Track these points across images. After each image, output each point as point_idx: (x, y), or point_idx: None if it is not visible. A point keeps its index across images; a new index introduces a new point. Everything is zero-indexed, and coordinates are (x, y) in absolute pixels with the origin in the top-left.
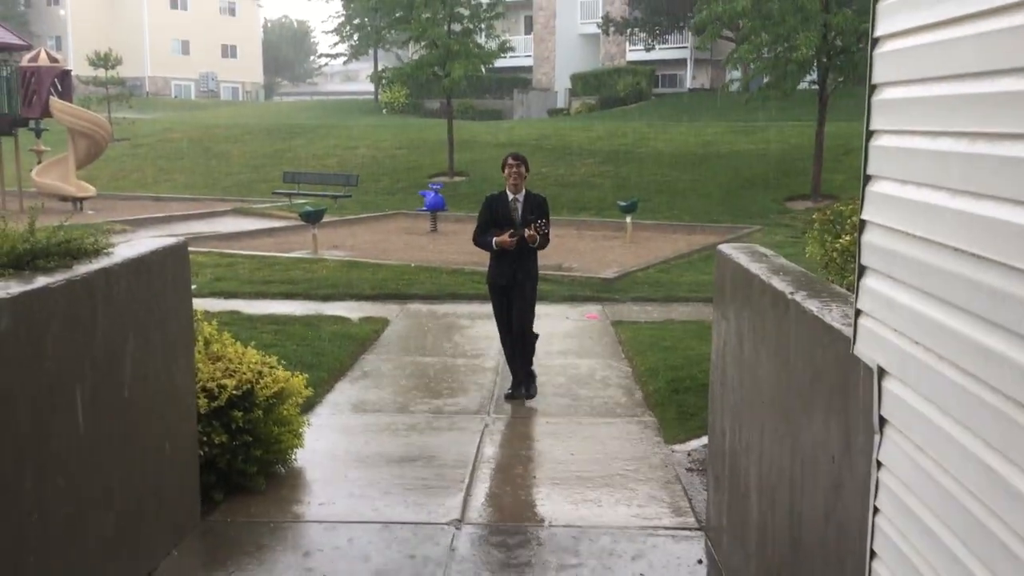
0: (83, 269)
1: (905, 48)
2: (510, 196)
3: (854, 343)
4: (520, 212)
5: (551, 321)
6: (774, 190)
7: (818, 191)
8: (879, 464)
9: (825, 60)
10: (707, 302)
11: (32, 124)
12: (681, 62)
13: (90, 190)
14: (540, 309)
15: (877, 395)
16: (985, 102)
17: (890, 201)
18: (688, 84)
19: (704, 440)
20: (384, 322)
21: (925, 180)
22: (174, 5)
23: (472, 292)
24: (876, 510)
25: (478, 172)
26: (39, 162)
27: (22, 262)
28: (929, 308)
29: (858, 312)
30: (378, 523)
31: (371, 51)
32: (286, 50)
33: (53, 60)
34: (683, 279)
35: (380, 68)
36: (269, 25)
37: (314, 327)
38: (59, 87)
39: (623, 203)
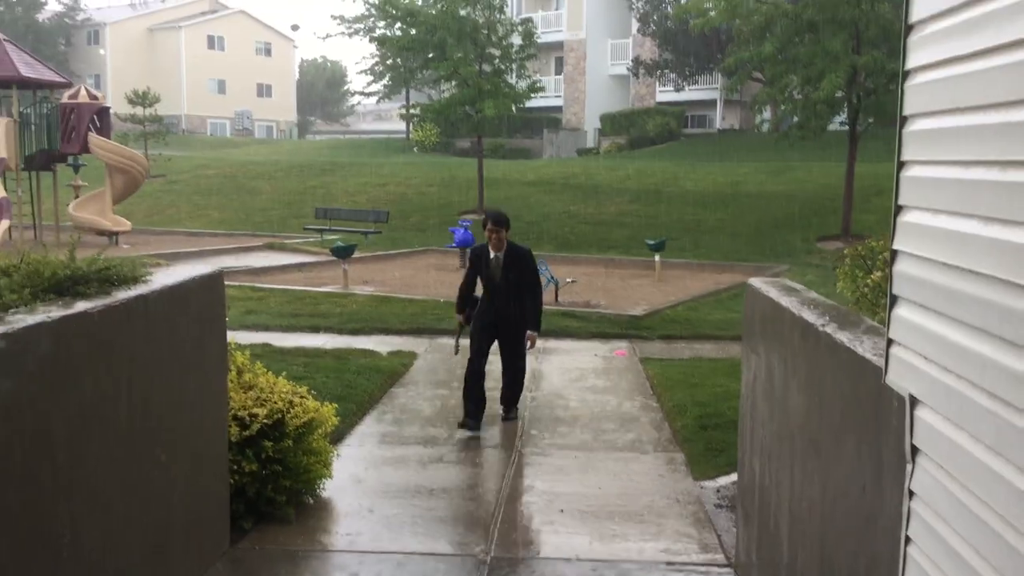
0: (122, 295)
1: (936, 80)
2: (492, 253)
3: (886, 372)
4: (501, 267)
5: (579, 357)
6: (804, 230)
7: (848, 231)
8: (911, 493)
9: (855, 101)
10: (735, 340)
11: (71, 160)
12: (711, 103)
13: (126, 224)
14: (569, 344)
15: (909, 424)
16: (1016, 131)
17: (921, 230)
18: (718, 124)
19: (733, 477)
20: (413, 356)
21: (956, 209)
22: (211, 45)
23: None
24: (908, 540)
25: (508, 210)
26: (76, 197)
27: (63, 288)
28: (961, 336)
29: (890, 342)
30: (406, 554)
31: (403, 91)
32: (320, 89)
33: (92, 97)
34: (712, 317)
35: (411, 104)
36: (304, 65)
37: (343, 360)
38: (98, 123)
39: (651, 242)
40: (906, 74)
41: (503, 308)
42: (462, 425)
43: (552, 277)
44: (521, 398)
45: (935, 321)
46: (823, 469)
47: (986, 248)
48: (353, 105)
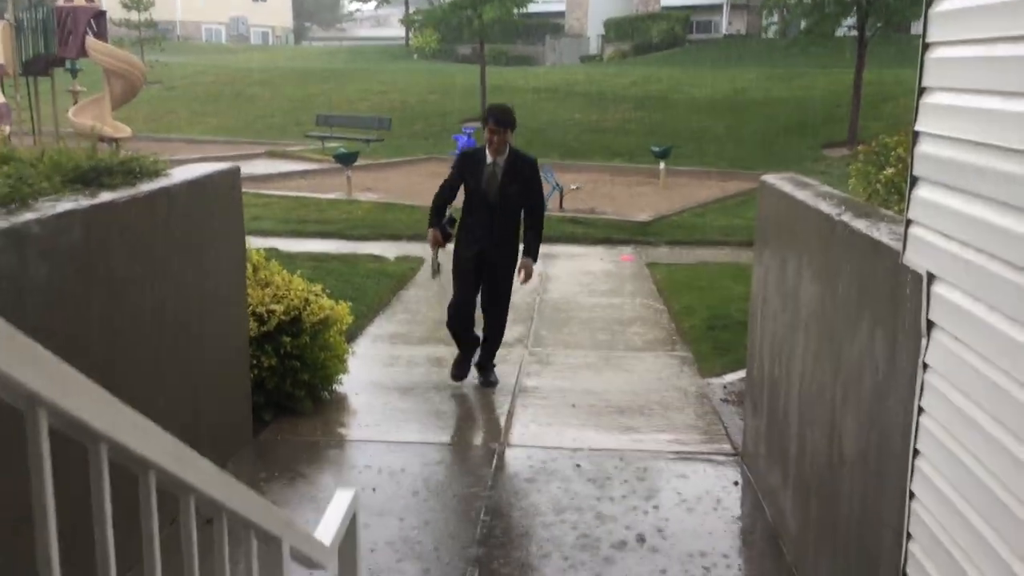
0: (145, 187)
1: None
2: (489, 158)
3: (903, 253)
4: (499, 178)
5: (586, 262)
6: (810, 137)
7: (855, 138)
8: (925, 366)
9: (864, 3)
10: (742, 246)
11: (68, 64)
12: (717, 7)
13: (126, 131)
14: (574, 250)
15: (926, 300)
16: None
17: (944, 110)
18: (724, 30)
19: (740, 374)
20: (420, 261)
21: (980, 86)
22: None
23: None
24: (921, 410)
25: None
26: (75, 102)
27: (88, 179)
28: (981, 210)
29: (908, 222)
30: (419, 444)
31: None
32: None
33: (89, 0)
34: (717, 223)
35: (411, 11)
36: None
37: (351, 264)
38: (95, 27)
39: (657, 149)
40: None
41: (495, 231)
42: (454, 375)
43: (557, 184)
44: (530, 302)
45: (958, 199)
46: (834, 353)
47: (1011, 123)
48: (352, 12)
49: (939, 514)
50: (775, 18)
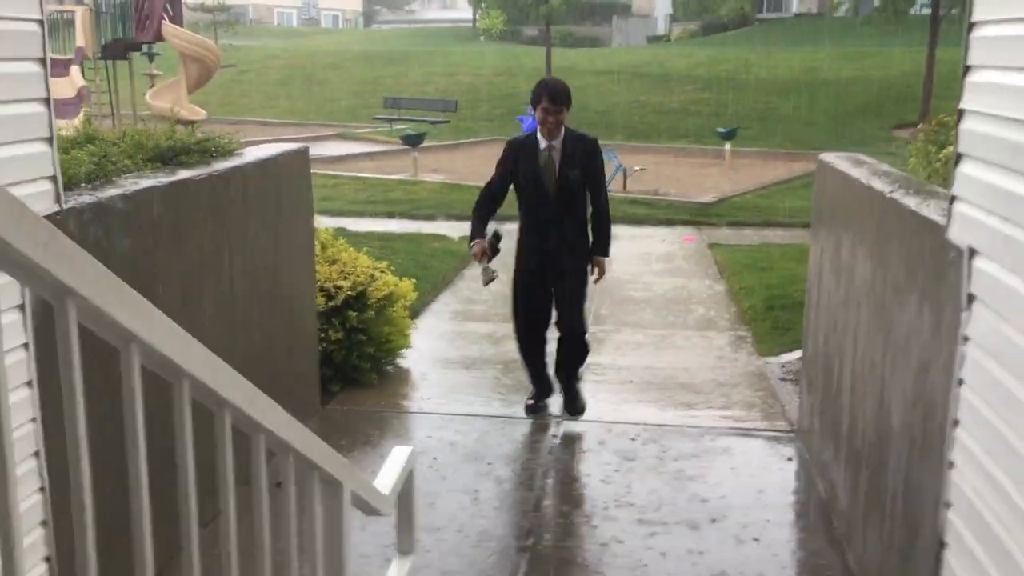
0: (220, 166)
1: None
2: (543, 143)
3: (948, 228)
4: (558, 165)
5: (648, 243)
6: (881, 118)
7: (927, 119)
8: (966, 339)
9: None
10: (806, 227)
11: (145, 48)
12: None
13: (201, 113)
14: (636, 231)
15: (967, 274)
16: None
17: (989, 88)
18: (795, 8)
19: (798, 353)
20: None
21: (1021, 64)
22: None
23: None
24: (961, 382)
25: (577, 99)
26: (152, 85)
27: (166, 158)
28: (1021, 186)
29: (953, 199)
30: (480, 416)
31: None
32: None
33: None
34: (782, 204)
35: None
36: None
37: (417, 243)
38: (170, 12)
39: (722, 130)
40: None
41: (560, 228)
42: (528, 408)
43: (620, 165)
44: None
45: (999, 175)
46: (884, 328)
47: None
48: None
49: (976, 483)
50: None
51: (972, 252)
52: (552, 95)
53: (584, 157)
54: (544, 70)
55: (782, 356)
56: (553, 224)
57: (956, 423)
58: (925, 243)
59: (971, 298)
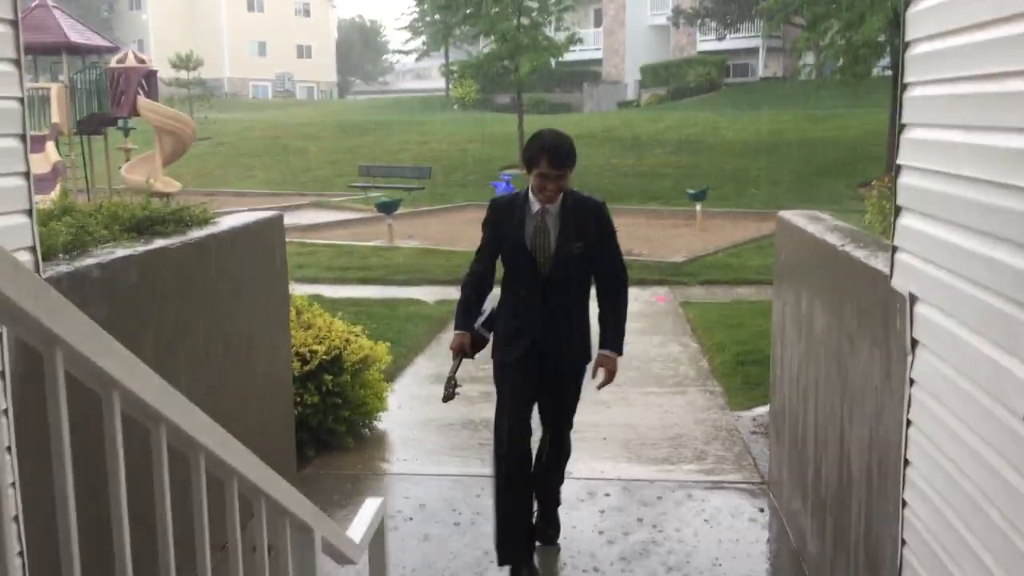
0: (195, 234)
1: (933, 6)
2: (535, 205)
3: (891, 277)
4: (555, 235)
5: None
6: (847, 176)
7: (882, 176)
8: (911, 381)
9: (898, 43)
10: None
11: (120, 123)
12: (753, 51)
13: (175, 185)
14: None
15: (910, 319)
16: (994, 46)
17: (920, 145)
18: (760, 73)
19: (767, 407)
20: None
21: (944, 121)
22: (251, 7)
23: None
24: (909, 423)
25: None
26: (127, 159)
27: (143, 227)
28: (953, 235)
29: (894, 249)
30: (458, 476)
31: (442, 48)
32: (359, 49)
33: (140, 61)
34: (752, 263)
35: (451, 62)
36: (342, 24)
37: (392, 308)
38: (146, 87)
39: (692, 191)
40: (907, 3)
41: (552, 313)
42: (502, 560)
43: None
44: None
45: (933, 225)
46: (842, 377)
47: (972, 154)
48: (392, 64)
49: (928, 520)
50: (810, 59)
51: (913, 298)
52: (553, 156)
53: (588, 226)
54: (516, 136)
55: (753, 410)
56: (545, 311)
57: (907, 463)
58: (873, 292)
59: (915, 342)
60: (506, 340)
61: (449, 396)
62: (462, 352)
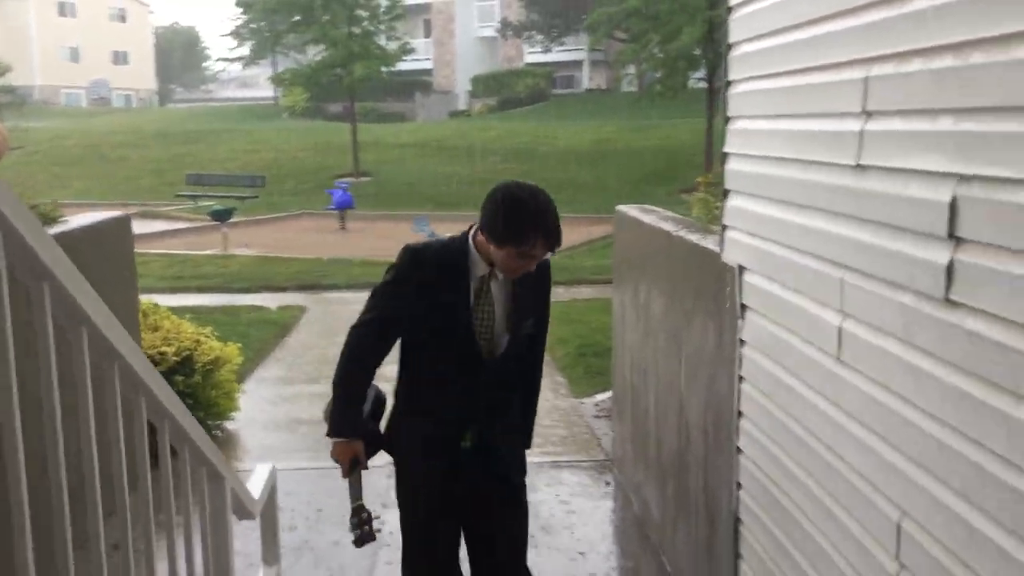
0: (49, 231)
1: (750, 12)
2: (480, 267)
3: (721, 253)
4: (503, 308)
5: None
6: (668, 183)
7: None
8: (742, 342)
9: (712, 56)
10: (609, 283)
11: None
12: (578, 64)
13: None
14: None
15: (739, 288)
16: (791, 47)
17: (743, 134)
18: (585, 85)
19: (609, 393)
20: (301, 309)
21: (764, 112)
22: (62, 12)
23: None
24: (741, 379)
25: (384, 172)
26: None
27: None
28: (773, 210)
29: (724, 227)
30: (305, 470)
31: (269, 56)
32: (179, 56)
33: None
34: (587, 264)
35: (281, 70)
36: (160, 31)
37: (234, 315)
38: None
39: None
40: (729, 9)
41: (488, 413)
42: None
43: (432, 234)
44: None
45: (754, 203)
46: (679, 349)
47: (783, 138)
48: (216, 72)
49: (760, 461)
50: (632, 69)
51: (742, 269)
52: (551, 238)
53: (540, 292)
54: (349, 144)
55: (596, 396)
56: (479, 404)
57: (740, 415)
58: (705, 270)
59: (743, 308)
60: (424, 443)
61: (365, 536)
62: (357, 464)
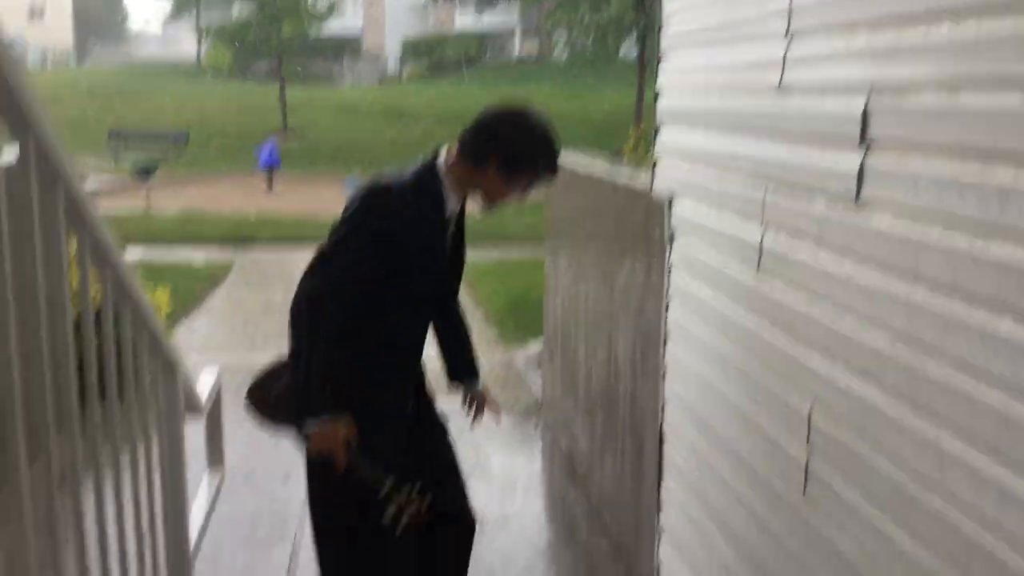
0: None
1: None
2: (451, 201)
3: (651, 187)
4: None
5: None
6: (599, 149)
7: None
8: (669, 269)
9: (643, 24)
10: (539, 242)
11: None
12: (509, 33)
13: None
14: None
15: (668, 218)
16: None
17: (673, 69)
18: (517, 52)
19: (540, 344)
20: (230, 263)
21: (693, 44)
22: None
23: (318, 236)
24: (667, 306)
25: (316, 135)
26: None
27: None
28: (702, 138)
29: (654, 164)
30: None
31: (192, 12)
32: (97, 12)
33: None
34: (518, 222)
35: (205, 27)
36: None
37: (159, 271)
38: None
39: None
40: None
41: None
42: None
43: None
44: None
45: (682, 133)
46: (609, 286)
47: (712, 70)
48: (136, 32)
49: (684, 381)
50: (563, 37)
51: (671, 200)
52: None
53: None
54: (277, 106)
55: (528, 347)
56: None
57: (666, 340)
58: (637, 209)
59: (672, 236)
60: (396, 404)
61: (418, 512)
62: (350, 447)
